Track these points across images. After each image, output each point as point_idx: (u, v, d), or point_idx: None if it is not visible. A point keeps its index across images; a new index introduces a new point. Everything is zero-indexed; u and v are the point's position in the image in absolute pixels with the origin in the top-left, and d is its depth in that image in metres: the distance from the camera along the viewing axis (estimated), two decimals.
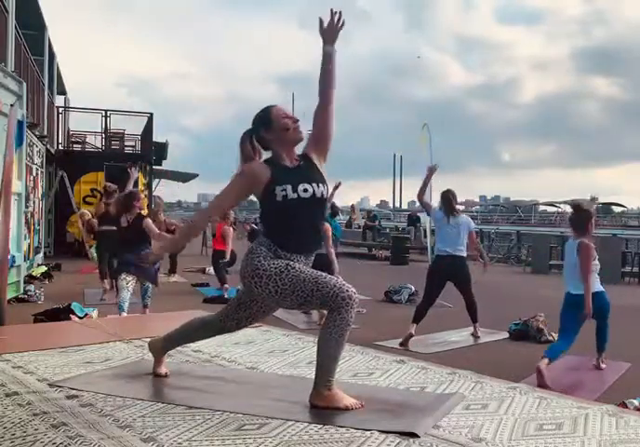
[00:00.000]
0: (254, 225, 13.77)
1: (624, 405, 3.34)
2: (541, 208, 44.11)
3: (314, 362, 3.17)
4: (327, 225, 6.98)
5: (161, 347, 2.94)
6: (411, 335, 5.44)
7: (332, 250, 6.69)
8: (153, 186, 17.76)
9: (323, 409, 2.40)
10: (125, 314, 5.37)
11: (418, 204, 10.83)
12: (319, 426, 2.23)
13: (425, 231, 12.42)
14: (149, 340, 3.03)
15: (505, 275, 12.93)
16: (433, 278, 5.80)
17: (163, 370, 2.91)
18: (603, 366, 4.67)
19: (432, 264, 6.05)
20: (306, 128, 2.67)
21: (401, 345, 5.38)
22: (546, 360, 4.16)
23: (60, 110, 16.19)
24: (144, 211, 8.11)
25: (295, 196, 2.46)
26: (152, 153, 16.26)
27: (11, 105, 6.82)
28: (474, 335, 5.92)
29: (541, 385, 3.81)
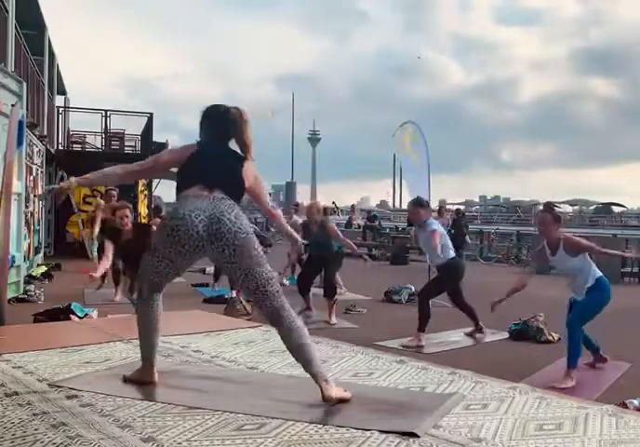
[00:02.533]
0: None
1: (624, 405, 3.34)
2: (541, 208, 44.08)
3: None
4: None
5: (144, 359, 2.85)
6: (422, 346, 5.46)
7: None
8: (153, 186, 17.76)
9: (332, 405, 2.44)
10: None
11: None
12: (319, 426, 2.24)
13: None
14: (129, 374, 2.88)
15: (505, 275, 12.92)
16: (460, 279, 5.93)
17: (154, 377, 2.81)
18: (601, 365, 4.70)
19: (461, 267, 6.01)
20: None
21: (403, 345, 5.38)
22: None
23: (60, 110, 16.19)
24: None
25: None
26: (152, 153, 16.26)
27: (12, 105, 6.82)
28: (481, 331, 5.94)
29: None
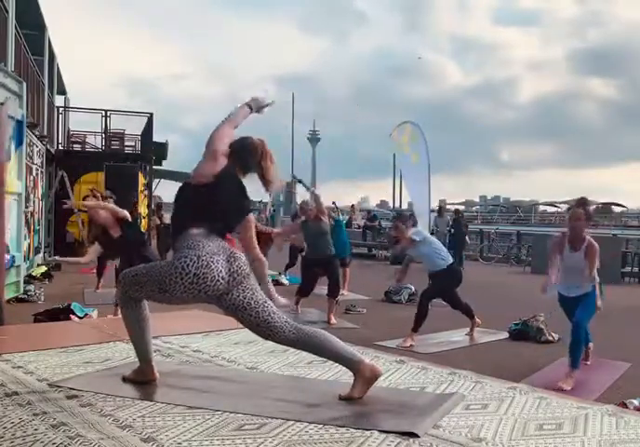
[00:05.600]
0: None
1: (624, 405, 3.34)
2: (541, 208, 44.18)
3: (314, 362, 3.19)
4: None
5: (141, 360, 2.86)
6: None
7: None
8: (153, 186, 17.75)
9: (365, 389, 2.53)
10: None
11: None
12: (319, 426, 2.23)
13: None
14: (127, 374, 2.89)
15: (505, 275, 12.94)
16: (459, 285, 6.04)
17: (155, 375, 2.85)
18: (588, 362, 4.72)
19: (460, 273, 6.15)
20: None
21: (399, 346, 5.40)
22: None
23: (60, 110, 16.18)
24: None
25: None
26: (152, 153, 16.26)
27: (1, 104, 6.75)
28: (477, 324, 5.99)
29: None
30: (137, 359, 2.86)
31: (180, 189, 2.70)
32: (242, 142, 2.72)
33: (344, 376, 2.95)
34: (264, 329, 2.58)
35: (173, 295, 2.52)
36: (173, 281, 2.48)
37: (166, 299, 2.57)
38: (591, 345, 4.78)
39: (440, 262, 5.69)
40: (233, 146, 2.70)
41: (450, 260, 5.87)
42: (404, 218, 6.03)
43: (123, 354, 3.41)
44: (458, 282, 5.88)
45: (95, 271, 8.52)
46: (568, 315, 4.53)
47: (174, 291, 2.50)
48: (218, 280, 2.50)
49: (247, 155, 2.69)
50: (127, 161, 15.41)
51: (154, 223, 10.60)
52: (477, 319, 6.01)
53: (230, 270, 2.55)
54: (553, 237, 4.55)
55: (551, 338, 5.72)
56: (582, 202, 4.55)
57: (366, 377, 2.54)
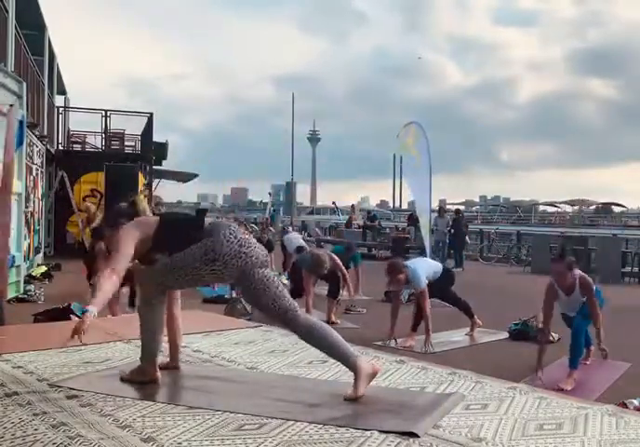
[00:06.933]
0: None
1: (624, 405, 3.34)
2: (541, 208, 44.22)
3: (314, 362, 3.19)
4: None
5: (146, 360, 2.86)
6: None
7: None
8: (153, 186, 17.74)
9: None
10: None
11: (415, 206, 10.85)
12: (319, 426, 2.24)
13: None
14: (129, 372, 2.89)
15: (505, 275, 12.93)
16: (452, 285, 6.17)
17: (157, 374, 2.84)
18: (587, 362, 4.74)
19: (453, 274, 6.30)
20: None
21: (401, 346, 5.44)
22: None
23: (60, 110, 16.18)
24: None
25: None
26: (152, 153, 16.25)
27: (11, 105, 6.79)
28: (477, 325, 6.01)
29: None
30: (137, 359, 2.86)
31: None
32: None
33: (344, 376, 2.95)
34: (284, 304, 2.64)
35: (221, 262, 2.60)
36: (225, 246, 2.61)
37: (209, 273, 2.63)
38: (592, 347, 4.81)
39: (437, 274, 5.83)
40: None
41: (440, 266, 6.01)
42: (398, 266, 5.53)
43: (123, 354, 3.41)
44: (451, 282, 6.02)
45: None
46: (570, 326, 4.60)
47: (224, 257, 2.60)
48: (257, 248, 2.71)
49: None
50: (127, 161, 15.39)
51: None
52: (478, 320, 6.02)
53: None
54: (547, 285, 4.57)
55: (551, 338, 5.71)
56: (561, 255, 4.67)
57: (365, 375, 2.55)
